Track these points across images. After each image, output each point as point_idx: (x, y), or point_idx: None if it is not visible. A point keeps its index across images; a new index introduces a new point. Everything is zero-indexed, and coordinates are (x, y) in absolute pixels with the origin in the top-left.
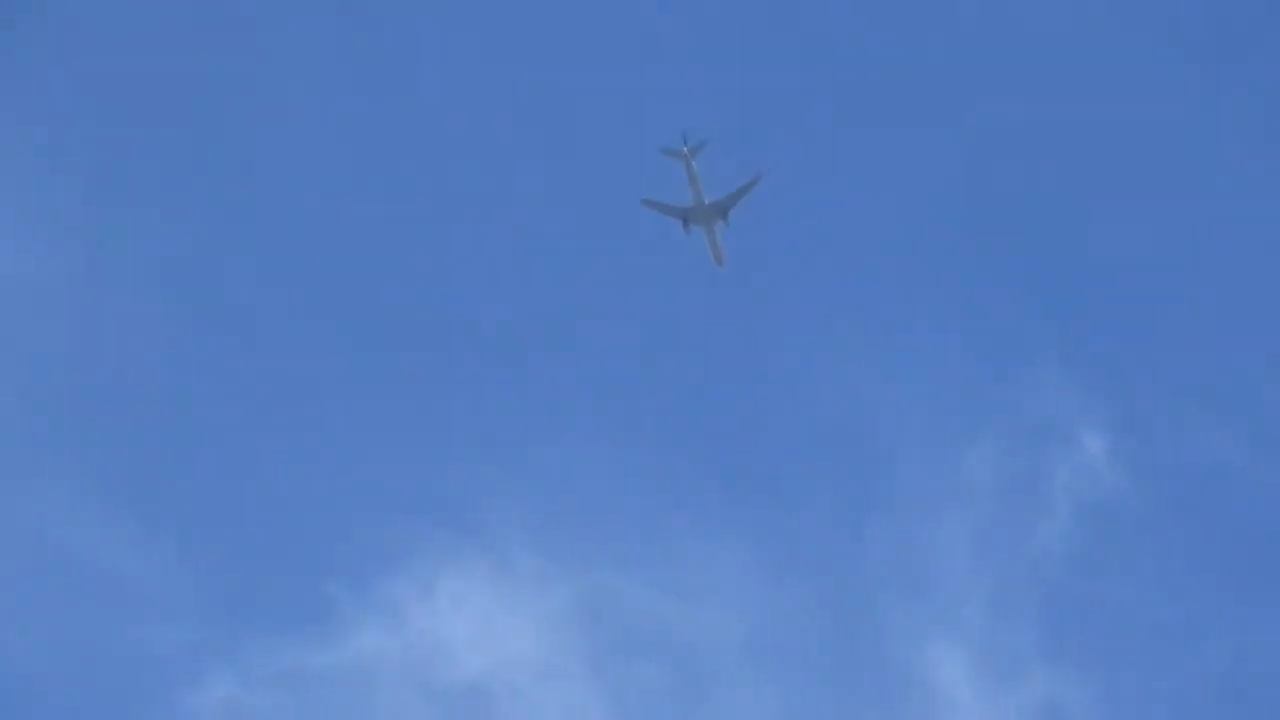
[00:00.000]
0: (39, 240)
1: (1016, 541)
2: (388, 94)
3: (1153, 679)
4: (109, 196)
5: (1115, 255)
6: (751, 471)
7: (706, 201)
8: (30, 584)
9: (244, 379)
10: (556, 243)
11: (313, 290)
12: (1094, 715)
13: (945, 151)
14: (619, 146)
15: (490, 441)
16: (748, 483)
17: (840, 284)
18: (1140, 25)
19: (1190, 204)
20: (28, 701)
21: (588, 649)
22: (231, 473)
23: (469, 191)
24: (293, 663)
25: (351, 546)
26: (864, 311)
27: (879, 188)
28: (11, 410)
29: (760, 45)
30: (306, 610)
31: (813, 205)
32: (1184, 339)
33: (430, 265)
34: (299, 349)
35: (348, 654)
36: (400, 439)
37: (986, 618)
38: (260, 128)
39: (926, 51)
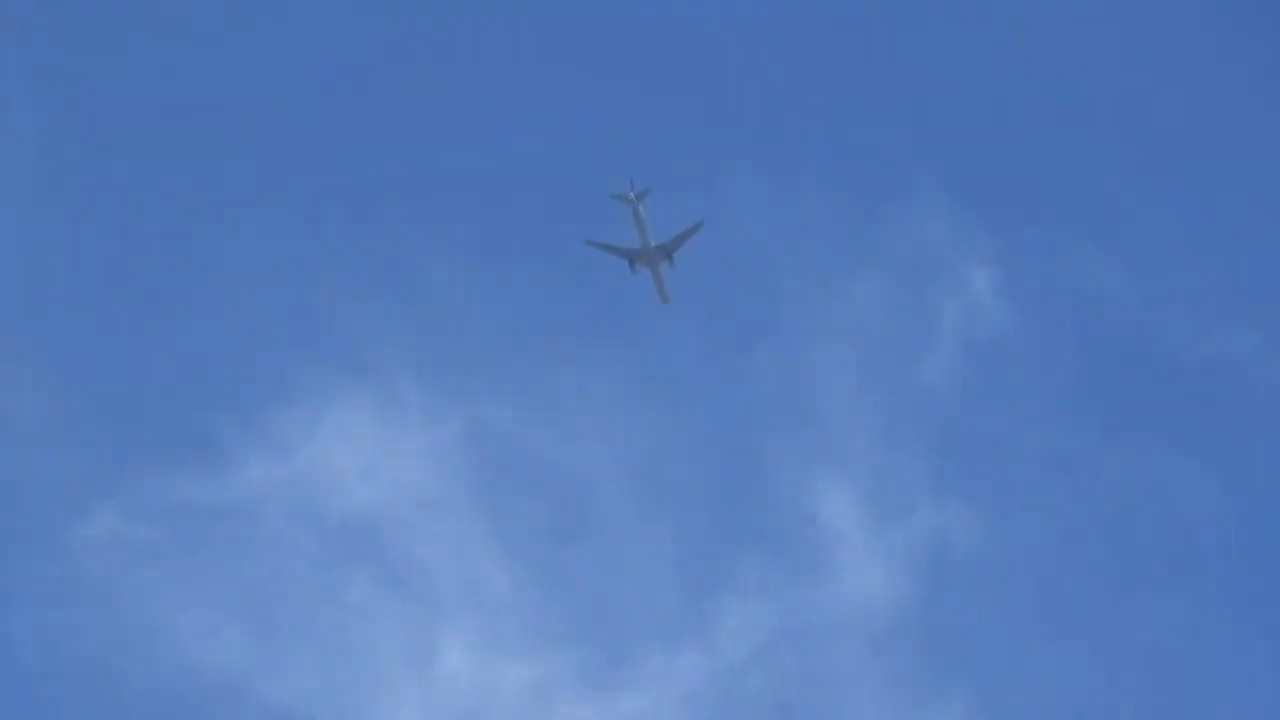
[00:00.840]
0: None
1: (903, 375)
2: None
3: (1040, 509)
4: None
5: (996, 89)
6: (636, 307)
7: (653, 244)
8: None
9: (131, 212)
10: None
11: (202, 125)
12: (982, 547)
13: None
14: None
15: (376, 277)
16: (632, 318)
17: (721, 122)
18: None
19: (1071, 34)
20: None
21: (474, 482)
22: (118, 306)
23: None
24: (180, 496)
25: (238, 381)
26: (744, 148)
27: (754, 35)
28: None
29: None
30: (193, 444)
31: (691, 50)
32: (1067, 171)
33: (322, 106)
34: (187, 184)
35: (235, 487)
36: (286, 275)
37: (874, 451)
38: None
39: None
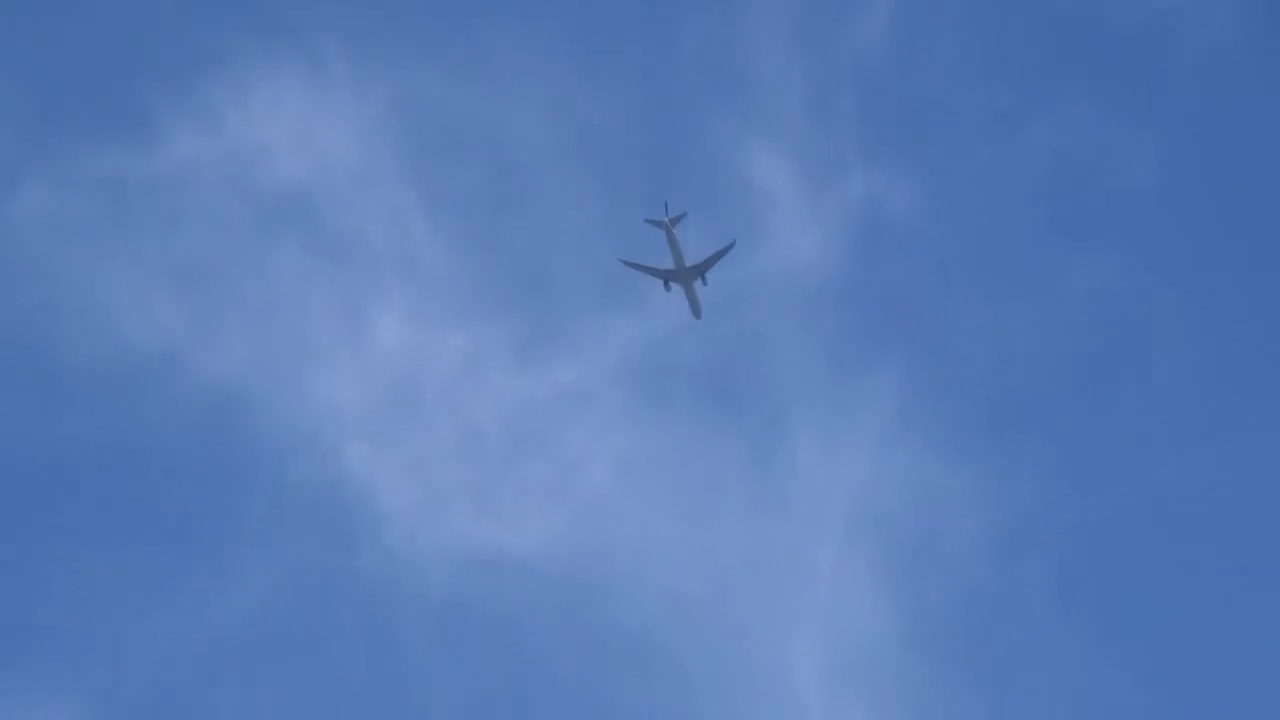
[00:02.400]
0: None
1: (834, 39)
2: None
3: (972, 173)
4: None
5: None
6: None
7: (688, 264)
8: None
9: None
10: None
11: None
12: (913, 212)
13: None
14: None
15: None
16: None
17: None
18: None
19: None
20: None
21: (406, 151)
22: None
23: None
24: (110, 169)
25: (166, 53)
26: None
27: None
28: None
29: None
30: (122, 118)
31: None
32: None
33: None
34: None
35: (165, 161)
36: None
37: (805, 116)
38: None
39: None
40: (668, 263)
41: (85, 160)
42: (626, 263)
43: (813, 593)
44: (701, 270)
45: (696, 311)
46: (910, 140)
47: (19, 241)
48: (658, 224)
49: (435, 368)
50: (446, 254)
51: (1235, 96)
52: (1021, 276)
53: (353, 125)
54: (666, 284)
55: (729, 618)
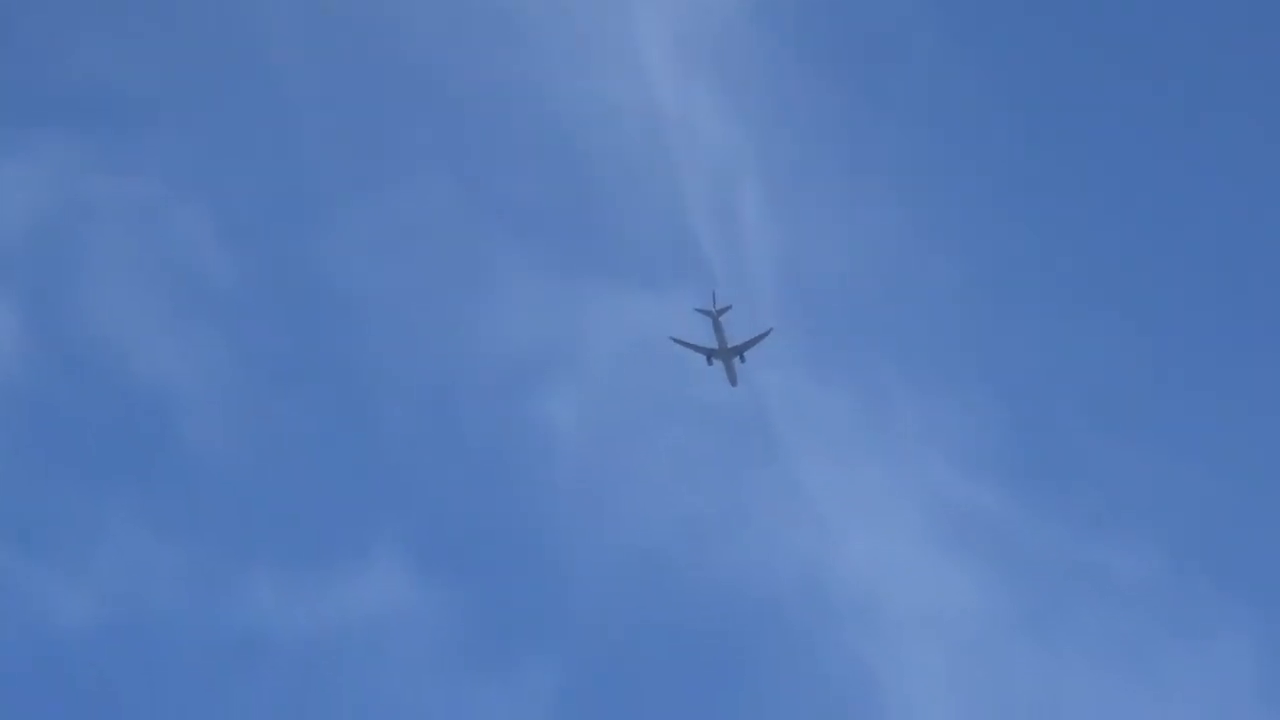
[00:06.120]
0: None
1: None
2: None
3: None
4: None
5: None
6: None
7: (729, 345)
8: None
9: None
10: None
11: None
12: None
13: None
14: None
15: None
16: None
17: None
18: None
19: None
20: None
21: None
22: None
23: None
24: None
25: None
26: None
27: None
28: None
29: None
30: None
31: None
32: None
33: None
34: None
35: None
36: None
37: None
38: None
39: None
40: (712, 343)
41: None
42: (677, 340)
43: None
44: (741, 350)
45: (733, 380)
46: None
47: None
48: (706, 313)
49: None
50: None
51: None
52: None
53: None
54: (709, 359)
55: None
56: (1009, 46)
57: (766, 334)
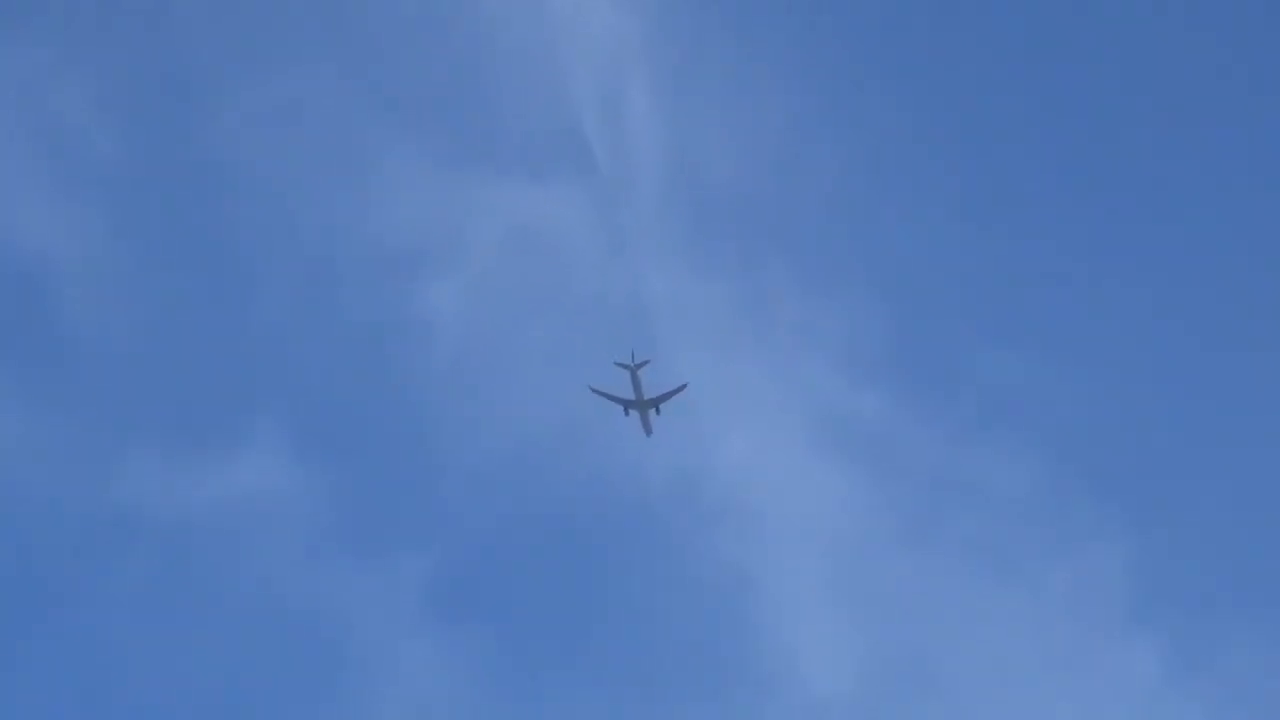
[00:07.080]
0: None
1: None
2: None
3: None
4: None
5: None
6: None
7: (646, 398)
8: None
9: None
10: None
11: None
12: None
13: None
14: None
15: None
16: None
17: None
18: None
19: None
20: None
21: None
22: None
23: None
24: None
25: None
26: None
27: None
28: None
29: None
30: None
31: None
32: None
33: None
34: None
35: None
36: None
37: None
38: None
39: None
40: (630, 395)
41: None
42: (596, 390)
43: None
44: (657, 403)
45: (648, 430)
46: None
47: None
48: (624, 366)
49: None
50: None
51: None
52: None
53: None
54: (626, 410)
55: None
56: None
57: (682, 388)
